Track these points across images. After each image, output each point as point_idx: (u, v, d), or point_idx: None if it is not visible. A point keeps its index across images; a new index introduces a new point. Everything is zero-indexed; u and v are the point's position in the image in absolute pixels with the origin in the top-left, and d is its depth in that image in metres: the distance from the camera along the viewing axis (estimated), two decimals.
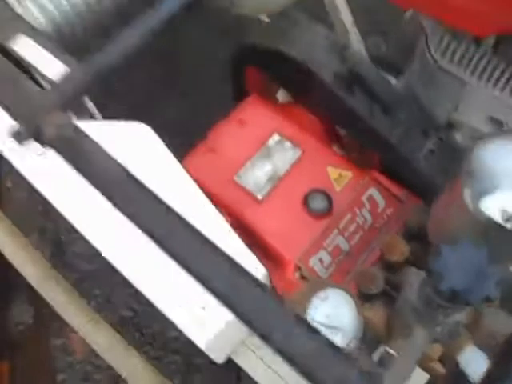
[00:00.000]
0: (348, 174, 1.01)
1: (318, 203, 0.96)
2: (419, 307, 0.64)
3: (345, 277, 0.93)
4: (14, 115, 0.53)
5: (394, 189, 0.99)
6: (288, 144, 1.03)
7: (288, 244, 0.95)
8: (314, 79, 1.01)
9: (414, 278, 0.68)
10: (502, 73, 0.85)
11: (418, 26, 1.01)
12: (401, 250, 0.85)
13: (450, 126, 1.02)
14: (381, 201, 0.99)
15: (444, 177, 0.95)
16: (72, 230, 1.31)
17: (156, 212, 0.49)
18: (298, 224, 0.96)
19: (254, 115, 1.07)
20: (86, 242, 1.27)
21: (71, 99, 0.52)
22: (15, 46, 0.56)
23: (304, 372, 0.44)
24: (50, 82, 0.53)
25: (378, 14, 1.55)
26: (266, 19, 1.70)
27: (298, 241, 0.95)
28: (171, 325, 1.32)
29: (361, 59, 1.05)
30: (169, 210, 0.49)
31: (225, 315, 0.85)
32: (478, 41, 0.87)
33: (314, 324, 0.73)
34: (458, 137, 1.02)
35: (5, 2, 0.66)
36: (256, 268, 0.79)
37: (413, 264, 0.86)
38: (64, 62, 0.53)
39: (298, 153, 1.02)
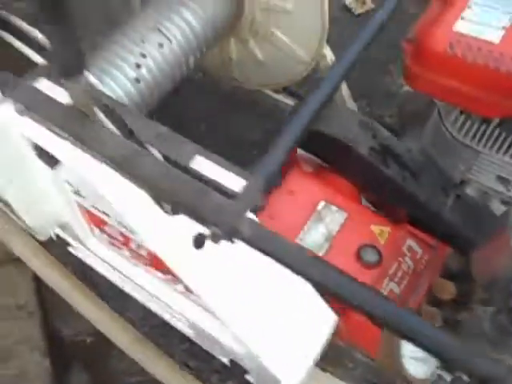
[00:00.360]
0: (387, 229, 1.22)
1: (371, 256, 1.16)
2: (493, 337, 0.84)
3: None
4: (209, 221, 0.69)
5: (427, 238, 1.21)
6: (334, 208, 1.23)
7: None
8: (350, 153, 1.22)
9: (481, 314, 0.89)
10: (510, 144, 1.09)
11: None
12: (449, 290, 1.06)
13: (462, 182, 1.25)
14: (418, 249, 1.20)
15: (468, 226, 1.18)
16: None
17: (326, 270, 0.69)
18: (354, 275, 1.15)
19: (300, 185, 1.27)
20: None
21: (254, 205, 0.69)
22: (194, 166, 0.72)
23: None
24: (232, 191, 0.70)
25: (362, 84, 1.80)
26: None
27: None
28: (230, 376, 1.46)
29: (386, 133, 1.26)
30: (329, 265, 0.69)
31: (304, 363, 1.00)
32: (486, 120, 1.11)
33: (406, 357, 0.92)
34: (469, 191, 1.25)
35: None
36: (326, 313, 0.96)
37: (456, 301, 1.07)
38: (237, 173, 0.70)
39: (344, 215, 1.22)
